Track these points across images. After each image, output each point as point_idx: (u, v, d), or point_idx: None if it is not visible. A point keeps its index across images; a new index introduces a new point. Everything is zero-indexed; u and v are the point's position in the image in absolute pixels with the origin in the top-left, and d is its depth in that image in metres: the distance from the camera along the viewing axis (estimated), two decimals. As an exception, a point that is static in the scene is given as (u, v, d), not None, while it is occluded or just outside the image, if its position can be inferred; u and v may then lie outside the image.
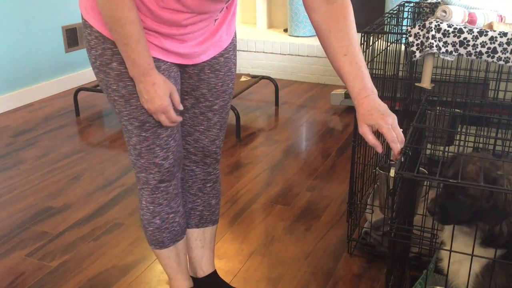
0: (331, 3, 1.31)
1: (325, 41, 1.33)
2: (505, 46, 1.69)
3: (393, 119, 1.24)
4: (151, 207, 1.52)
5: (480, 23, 1.86)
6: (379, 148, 1.25)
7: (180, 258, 1.64)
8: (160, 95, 1.30)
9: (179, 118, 1.38)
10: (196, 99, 1.50)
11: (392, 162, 1.28)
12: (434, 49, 1.75)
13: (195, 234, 1.71)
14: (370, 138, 1.25)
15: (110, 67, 1.33)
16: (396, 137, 1.23)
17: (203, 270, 1.75)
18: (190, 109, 1.51)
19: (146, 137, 1.40)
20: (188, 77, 1.47)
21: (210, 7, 1.29)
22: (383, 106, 1.26)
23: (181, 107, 1.38)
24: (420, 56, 1.81)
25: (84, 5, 1.32)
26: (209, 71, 1.47)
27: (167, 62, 1.37)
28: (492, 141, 1.79)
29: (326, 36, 1.32)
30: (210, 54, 1.45)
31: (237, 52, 4.64)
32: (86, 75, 4.32)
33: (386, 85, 2.19)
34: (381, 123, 1.23)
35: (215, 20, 1.38)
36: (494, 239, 1.27)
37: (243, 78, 3.63)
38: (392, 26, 2.22)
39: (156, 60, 1.33)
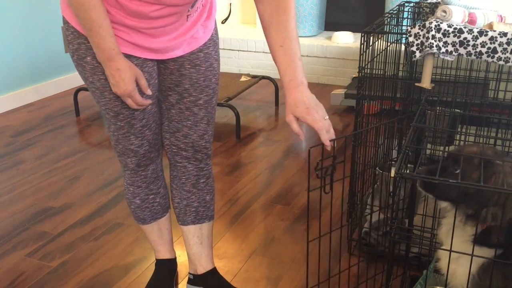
0: None
1: (266, 31, 1.41)
2: (505, 46, 1.69)
3: (316, 111, 1.32)
4: (131, 189, 1.64)
5: (480, 23, 1.86)
6: (302, 136, 1.34)
7: (162, 233, 1.77)
8: (125, 80, 1.35)
9: (146, 102, 1.43)
10: (180, 95, 1.53)
11: (392, 163, 1.28)
12: (434, 49, 1.75)
13: (192, 231, 1.72)
14: (295, 127, 1.34)
15: (85, 61, 1.39)
16: (322, 127, 1.31)
17: (203, 266, 1.76)
18: (175, 105, 1.55)
19: (121, 126, 1.48)
20: (170, 73, 1.50)
21: None
22: (310, 99, 1.33)
23: (149, 92, 1.43)
24: (420, 56, 1.81)
25: (62, 2, 1.39)
26: (189, 66, 1.50)
27: (140, 58, 1.41)
28: (492, 141, 1.79)
29: (267, 27, 1.40)
30: (186, 49, 1.48)
31: (237, 52, 4.64)
32: (86, 75, 4.33)
33: (386, 85, 2.18)
34: (306, 116, 1.31)
35: (188, 16, 1.41)
36: (486, 237, 1.27)
37: (243, 78, 3.63)
38: (392, 26, 2.22)
39: (128, 56, 1.38)
